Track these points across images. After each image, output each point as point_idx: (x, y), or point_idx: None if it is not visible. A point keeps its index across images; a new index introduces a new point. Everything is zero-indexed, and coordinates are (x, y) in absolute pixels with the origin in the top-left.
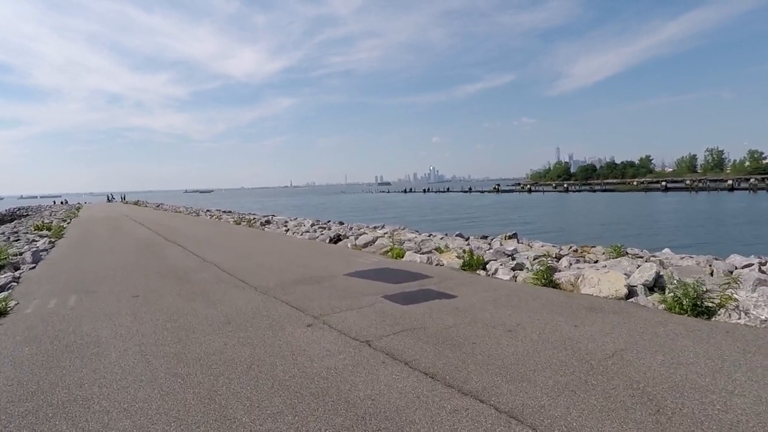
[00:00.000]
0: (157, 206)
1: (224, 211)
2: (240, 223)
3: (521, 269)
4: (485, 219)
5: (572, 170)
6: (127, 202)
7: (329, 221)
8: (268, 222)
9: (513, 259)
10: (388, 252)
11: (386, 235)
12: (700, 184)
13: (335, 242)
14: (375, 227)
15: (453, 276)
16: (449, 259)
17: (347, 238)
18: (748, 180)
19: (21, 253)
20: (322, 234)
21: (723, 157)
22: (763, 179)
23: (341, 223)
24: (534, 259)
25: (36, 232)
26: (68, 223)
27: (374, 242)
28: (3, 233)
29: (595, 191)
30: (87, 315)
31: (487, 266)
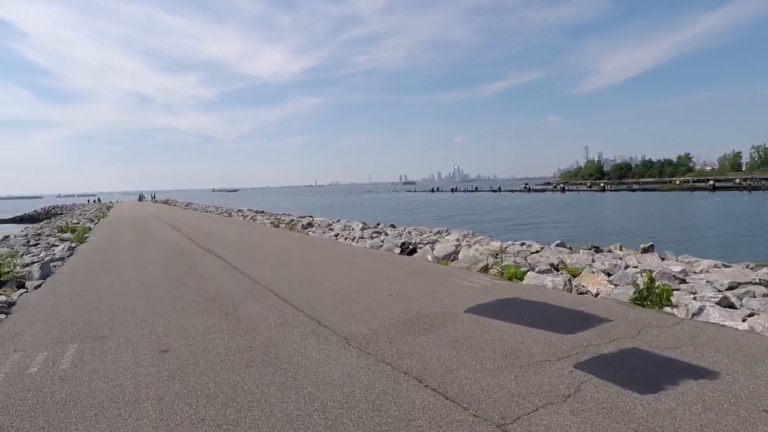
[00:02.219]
0: (187, 205)
1: (257, 212)
2: (278, 226)
3: (729, 306)
4: (541, 221)
5: (604, 169)
6: (156, 201)
7: (379, 224)
8: (309, 225)
9: (686, 283)
10: (487, 268)
11: (464, 243)
12: (753, 183)
13: (409, 253)
14: (439, 232)
15: (636, 317)
16: (596, 285)
17: (420, 247)
18: None
19: (33, 263)
20: (383, 241)
21: None
22: None
23: (393, 227)
24: (728, 289)
25: (58, 234)
26: (95, 224)
27: (457, 253)
28: (25, 235)
29: (634, 191)
30: (82, 398)
31: (671, 299)
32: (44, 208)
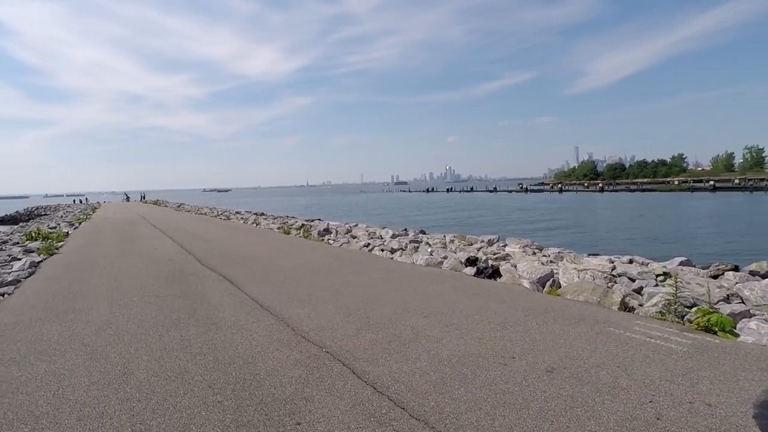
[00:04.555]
0: (178, 206)
1: (258, 214)
2: (289, 232)
3: None
4: (570, 226)
5: (597, 169)
6: (146, 202)
7: (406, 230)
8: (327, 231)
9: None
10: (627, 304)
11: (544, 259)
12: (753, 184)
13: (489, 276)
14: (490, 241)
15: None
16: None
17: (497, 265)
18: None
19: None
20: (431, 253)
21: (763, 155)
22: None
23: (424, 233)
24: None
25: (26, 243)
26: (75, 228)
27: (553, 276)
28: None
29: (632, 191)
30: None
31: None
32: (27, 208)
